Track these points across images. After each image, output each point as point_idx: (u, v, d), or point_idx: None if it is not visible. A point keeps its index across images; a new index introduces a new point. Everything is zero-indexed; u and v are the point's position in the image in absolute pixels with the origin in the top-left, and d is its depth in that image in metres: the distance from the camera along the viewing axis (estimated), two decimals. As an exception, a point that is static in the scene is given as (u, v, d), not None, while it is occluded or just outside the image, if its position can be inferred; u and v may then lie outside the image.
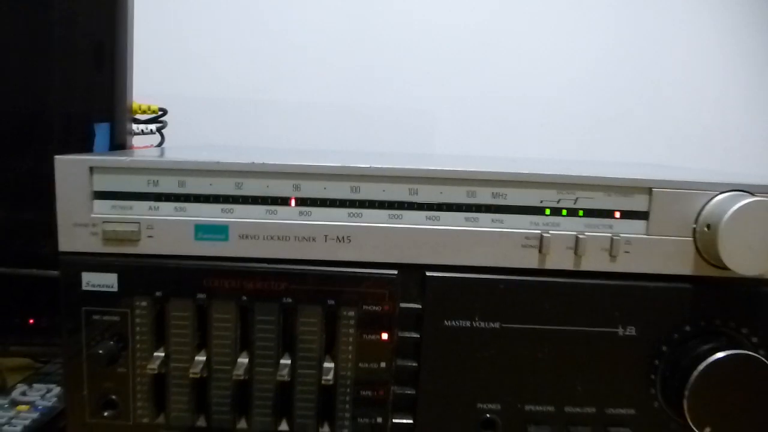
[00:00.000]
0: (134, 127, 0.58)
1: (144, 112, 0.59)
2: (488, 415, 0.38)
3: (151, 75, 0.75)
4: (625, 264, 0.37)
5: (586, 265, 0.37)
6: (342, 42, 0.80)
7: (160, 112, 0.60)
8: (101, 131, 0.50)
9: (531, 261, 0.37)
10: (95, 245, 0.37)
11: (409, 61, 0.82)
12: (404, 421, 0.38)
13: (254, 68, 0.80)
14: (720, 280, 0.38)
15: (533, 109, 0.81)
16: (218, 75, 0.79)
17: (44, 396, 0.50)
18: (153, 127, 0.59)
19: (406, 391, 0.38)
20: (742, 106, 0.82)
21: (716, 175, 0.40)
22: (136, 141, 0.57)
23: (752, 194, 0.36)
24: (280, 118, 0.81)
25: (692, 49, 0.80)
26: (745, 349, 0.36)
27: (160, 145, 0.62)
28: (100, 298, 0.37)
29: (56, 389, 0.52)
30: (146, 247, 0.37)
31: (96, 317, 0.37)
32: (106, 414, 0.38)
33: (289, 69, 0.80)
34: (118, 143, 0.51)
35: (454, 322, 0.37)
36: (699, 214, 0.37)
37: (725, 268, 0.36)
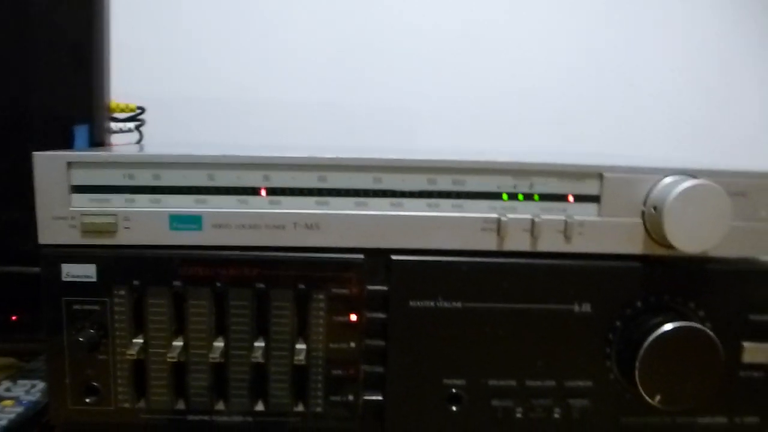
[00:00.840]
0: (113, 125, 0.59)
1: (122, 111, 0.60)
2: (454, 390, 0.40)
3: (134, 74, 0.76)
4: (579, 245, 0.39)
5: (543, 247, 0.39)
6: (328, 41, 0.82)
7: (138, 110, 0.61)
8: (80, 133, 0.52)
9: (490, 243, 0.39)
10: (74, 237, 0.38)
11: (393, 60, 0.84)
12: (374, 398, 0.40)
13: (239, 67, 0.82)
14: (668, 259, 0.40)
15: (513, 105, 0.83)
16: (202, 74, 0.80)
17: (29, 391, 0.51)
18: (131, 125, 0.60)
19: (376, 370, 0.40)
20: (723, 100, 0.85)
21: (664, 161, 0.43)
22: (116, 139, 0.59)
23: (695, 177, 0.39)
24: (265, 117, 0.82)
25: (671, 42, 0.83)
26: (691, 322, 0.39)
27: (138, 142, 0.64)
28: (79, 288, 0.39)
29: (40, 384, 0.53)
30: (123, 238, 0.39)
31: (76, 307, 0.39)
32: (87, 400, 0.40)
33: (275, 68, 0.81)
34: (97, 141, 0.53)
35: (418, 303, 0.39)
36: (647, 196, 0.39)
37: (671, 246, 0.38)
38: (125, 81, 0.72)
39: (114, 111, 0.60)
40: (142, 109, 0.62)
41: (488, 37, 0.82)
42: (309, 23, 0.80)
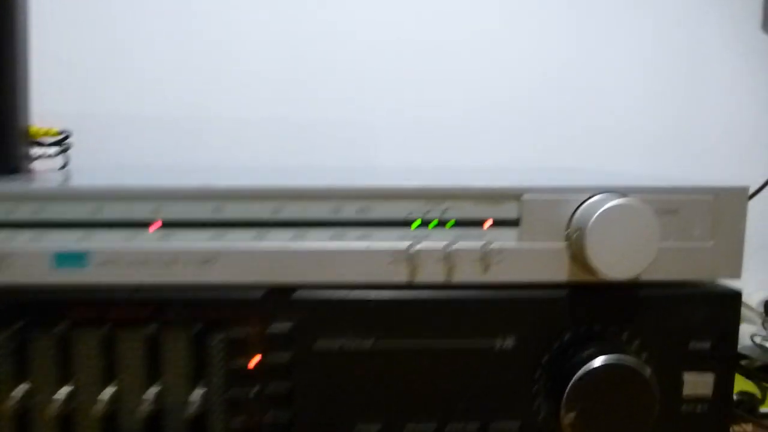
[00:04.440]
0: (37, 150, 0.57)
1: (44, 135, 0.57)
2: (368, 436, 0.37)
3: (65, 92, 0.73)
4: (498, 274, 0.36)
5: (459, 277, 0.36)
6: (278, 55, 0.78)
7: (62, 135, 0.58)
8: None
9: (401, 276, 0.36)
10: (-53, 279, 0.35)
11: (353, 73, 0.80)
12: (282, 447, 0.37)
13: (186, 83, 0.79)
14: (597, 285, 0.37)
15: (479, 117, 0.80)
16: (145, 91, 0.77)
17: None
18: (53, 150, 0.57)
19: (281, 417, 0.37)
20: (695, 104, 0.82)
21: (593, 177, 0.40)
22: (40, 165, 0.56)
23: (624, 196, 0.36)
24: (216, 135, 0.79)
25: (640, 49, 0.80)
26: (625, 354, 0.35)
27: (63, 168, 0.61)
28: (-45, 334, 0.35)
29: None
30: (4, 277, 0.35)
31: (-47, 354, 0.36)
32: (-30, 456, 0.36)
33: (226, 83, 0.78)
34: (11, 169, 0.50)
35: (326, 342, 0.36)
36: (571, 219, 0.36)
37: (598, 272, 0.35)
38: (55, 100, 0.69)
39: (35, 136, 0.57)
40: (67, 135, 0.58)
41: (451, 50, 0.79)
42: (261, 35, 0.76)
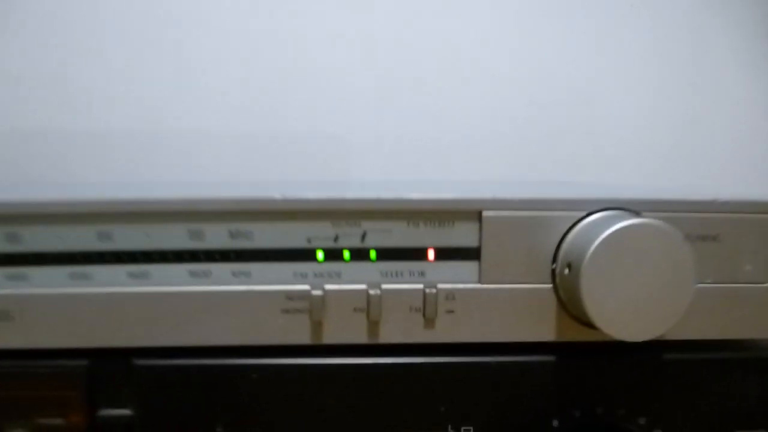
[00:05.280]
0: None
1: None
2: None
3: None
4: (448, 331, 0.24)
5: (388, 336, 0.24)
6: (245, 64, 0.63)
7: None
8: None
9: (300, 334, 0.24)
10: None
11: (324, 83, 0.66)
12: None
13: (141, 94, 0.64)
14: (598, 348, 0.24)
15: (454, 130, 0.66)
16: (98, 103, 0.62)
17: None
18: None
19: None
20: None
21: (587, 189, 0.27)
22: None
23: (636, 213, 0.23)
24: (174, 151, 0.64)
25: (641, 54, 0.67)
26: (641, 455, 0.23)
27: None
28: None
29: None
30: None
31: None
32: None
33: (186, 93, 0.63)
34: None
35: (183, 437, 0.24)
36: (558, 248, 0.24)
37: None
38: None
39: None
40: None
41: (430, 60, 0.65)
42: (225, 43, 0.62)
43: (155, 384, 0.24)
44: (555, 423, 0.25)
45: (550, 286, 0.24)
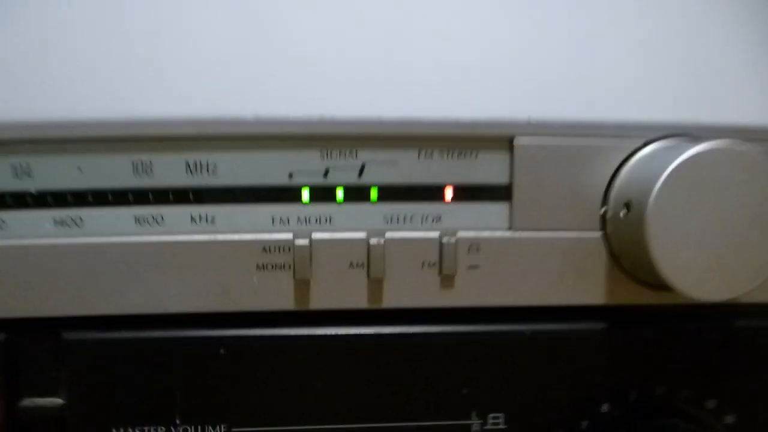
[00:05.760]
0: None
1: None
2: None
3: None
4: (471, 291, 0.19)
5: (394, 299, 0.18)
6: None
7: None
8: None
9: (280, 297, 0.18)
10: None
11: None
12: None
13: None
14: (661, 311, 0.19)
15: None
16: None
17: None
18: None
19: None
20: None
21: (634, 112, 0.22)
22: None
23: (704, 139, 0.18)
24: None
25: None
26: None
27: None
28: None
29: None
30: None
31: None
32: None
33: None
34: None
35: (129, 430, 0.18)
36: (610, 183, 0.19)
37: (667, 287, 0.18)
38: None
39: None
40: None
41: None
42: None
43: (92, 364, 0.18)
44: (605, 407, 0.20)
45: (600, 233, 0.19)
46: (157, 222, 0.18)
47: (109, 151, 0.18)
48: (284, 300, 0.18)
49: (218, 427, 0.18)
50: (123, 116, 0.17)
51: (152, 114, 0.17)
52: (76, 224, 0.18)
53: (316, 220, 0.18)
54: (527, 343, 0.19)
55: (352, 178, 0.18)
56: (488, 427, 0.19)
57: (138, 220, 0.18)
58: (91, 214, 0.18)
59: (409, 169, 0.18)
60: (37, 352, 0.18)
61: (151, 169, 0.18)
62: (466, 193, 0.19)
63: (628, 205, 0.18)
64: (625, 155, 0.19)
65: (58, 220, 0.18)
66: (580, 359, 0.19)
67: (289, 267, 0.18)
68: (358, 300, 0.18)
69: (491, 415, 0.19)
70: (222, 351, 0.18)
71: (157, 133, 0.17)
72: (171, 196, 0.18)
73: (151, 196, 0.18)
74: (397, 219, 0.18)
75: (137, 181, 0.18)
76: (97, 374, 0.18)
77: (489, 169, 0.19)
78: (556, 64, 0.20)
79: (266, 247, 0.18)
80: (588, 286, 0.19)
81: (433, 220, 0.19)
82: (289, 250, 0.18)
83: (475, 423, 0.19)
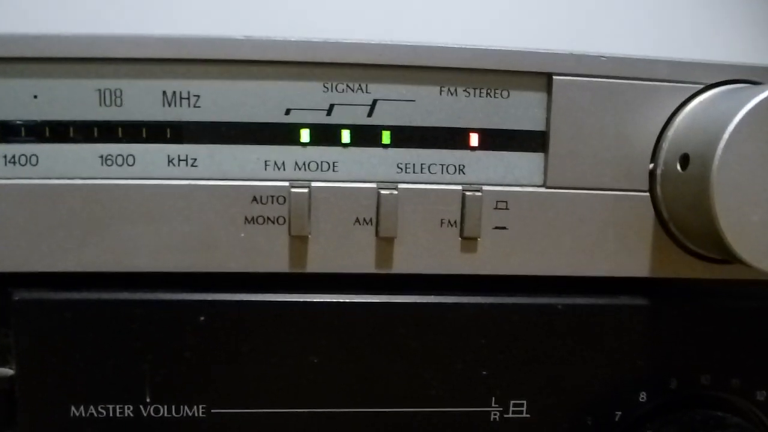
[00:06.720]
0: None
1: None
2: None
3: None
4: (497, 256, 0.16)
5: (407, 263, 0.16)
6: None
7: None
8: None
9: (272, 257, 0.15)
10: None
11: None
12: None
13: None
14: (712, 286, 0.17)
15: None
16: None
17: None
18: None
19: None
20: None
21: (690, 51, 0.19)
22: None
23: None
24: None
25: None
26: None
27: None
28: None
29: None
30: None
31: None
32: None
33: None
34: None
35: (83, 411, 0.15)
36: (662, 134, 0.16)
37: (727, 259, 0.15)
38: None
39: None
40: None
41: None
42: None
43: (47, 329, 0.15)
44: (642, 396, 0.17)
45: (647, 194, 0.16)
46: (127, 162, 0.15)
47: (71, 76, 0.15)
48: (276, 260, 0.15)
49: (195, 408, 0.16)
50: (88, 32, 0.14)
51: (123, 31, 0.14)
52: (30, 162, 0.15)
53: (317, 167, 0.15)
54: (558, 318, 0.16)
55: (361, 118, 0.15)
56: (509, 415, 0.17)
57: (104, 160, 0.15)
58: (47, 151, 0.15)
59: (428, 108, 0.15)
60: (-18, 314, 0.15)
61: (120, 99, 0.15)
62: (494, 140, 0.16)
63: (685, 160, 0.15)
64: (681, 100, 0.16)
65: (8, 157, 0.15)
66: (616, 339, 0.17)
67: (284, 221, 0.15)
68: (365, 263, 0.16)
69: (513, 401, 0.16)
70: (201, 318, 0.15)
71: (129, 55, 0.14)
72: (144, 133, 0.15)
73: (120, 132, 0.15)
74: (413, 168, 0.16)
75: (104, 113, 0.15)
76: (52, 342, 0.15)
77: (522, 112, 0.16)
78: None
79: (257, 197, 0.15)
80: (630, 256, 0.16)
81: (455, 171, 0.16)
82: (284, 200, 0.15)
83: (494, 411, 0.16)
